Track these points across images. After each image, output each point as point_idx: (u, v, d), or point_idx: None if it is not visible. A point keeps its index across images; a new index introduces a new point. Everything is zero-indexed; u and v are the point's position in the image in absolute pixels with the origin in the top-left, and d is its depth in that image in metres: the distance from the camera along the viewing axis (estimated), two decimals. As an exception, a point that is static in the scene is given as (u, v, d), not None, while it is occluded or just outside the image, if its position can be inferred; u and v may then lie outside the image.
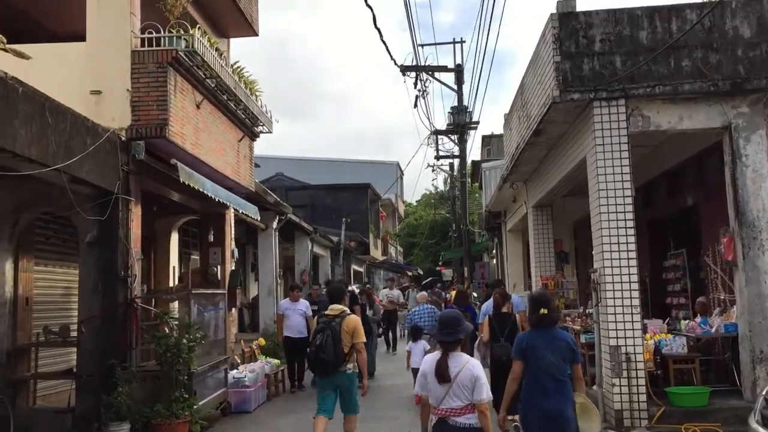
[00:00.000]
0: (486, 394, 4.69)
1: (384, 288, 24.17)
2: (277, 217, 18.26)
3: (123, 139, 9.20)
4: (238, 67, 12.16)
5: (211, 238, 13.34)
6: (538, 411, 5.33)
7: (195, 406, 8.54)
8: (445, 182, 51.90)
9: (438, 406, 4.71)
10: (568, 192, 13.46)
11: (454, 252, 33.54)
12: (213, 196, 10.76)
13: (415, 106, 27.57)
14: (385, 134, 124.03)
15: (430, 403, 4.82)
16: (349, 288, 14.62)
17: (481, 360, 7.83)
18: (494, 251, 26.95)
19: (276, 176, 38.06)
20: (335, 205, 35.23)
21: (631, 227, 8.64)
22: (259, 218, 13.59)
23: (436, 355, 4.85)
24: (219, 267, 13.49)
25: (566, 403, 5.35)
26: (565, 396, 5.37)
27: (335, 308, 7.41)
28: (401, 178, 53.77)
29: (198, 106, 10.61)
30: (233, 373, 10.42)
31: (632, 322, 8.51)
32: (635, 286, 8.57)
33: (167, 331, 8.82)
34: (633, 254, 8.60)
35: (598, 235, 8.81)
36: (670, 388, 8.68)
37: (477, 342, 9.05)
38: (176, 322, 9.00)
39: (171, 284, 14.36)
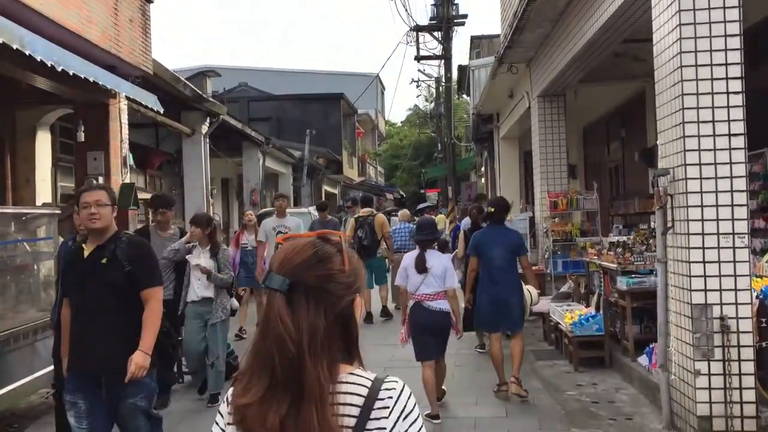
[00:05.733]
0: (454, 282, 5.71)
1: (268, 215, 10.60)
2: (208, 120, 14.28)
3: None
4: None
5: (82, 137, 9.35)
6: (489, 296, 6.27)
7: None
8: (427, 99, 47.70)
9: (414, 292, 5.61)
10: (585, 76, 9.59)
11: (438, 170, 29.72)
12: (49, 63, 6.72)
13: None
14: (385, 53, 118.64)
15: (408, 290, 5.67)
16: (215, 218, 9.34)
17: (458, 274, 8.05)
18: (483, 168, 23.15)
19: (239, 87, 33.89)
20: (303, 118, 31.04)
21: (737, 91, 4.79)
22: (161, 110, 9.58)
23: (416, 252, 5.73)
24: (102, 178, 9.61)
25: (512, 290, 6.29)
26: (512, 284, 6.31)
27: (366, 210, 10.50)
28: (382, 93, 49.39)
29: None
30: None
31: (734, 263, 4.76)
32: (742, 198, 4.79)
33: None
34: (740, 140, 4.79)
35: (673, 108, 4.97)
36: (789, 376, 5.03)
37: (452, 256, 8.37)
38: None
39: (40, 202, 10.53)
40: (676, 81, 4.88)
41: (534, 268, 10.49)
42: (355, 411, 1.34)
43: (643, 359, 6.32)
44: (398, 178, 51.31)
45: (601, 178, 13.58)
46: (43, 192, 10.53)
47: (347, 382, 1.37)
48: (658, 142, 5.34)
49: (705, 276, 4.77)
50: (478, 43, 28.71)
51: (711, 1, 4.80)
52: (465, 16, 23.93)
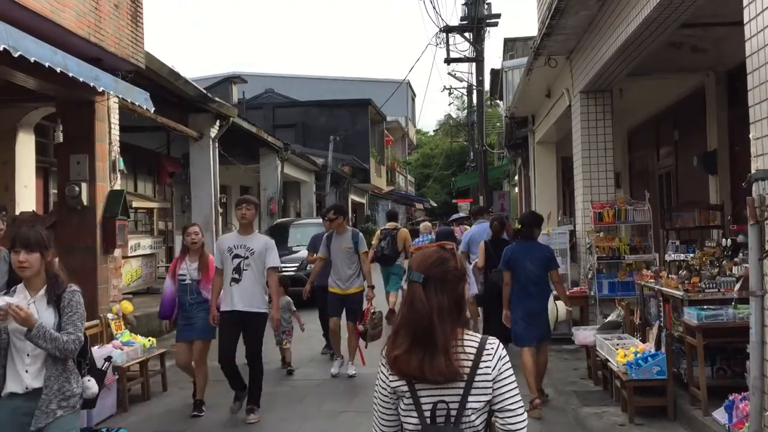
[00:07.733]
0: (471, 290, 7.27)
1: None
2: (218, 122, 13.20)
3: None
4: None
5: (60, 138, 8.29)
6: (522, 309, 6.43)
7: None
8: (459, 108, 46.33)
9: None
10: (634, 69, 8.28)
11: (468, 178, 28.36)
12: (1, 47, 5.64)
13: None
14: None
15: None
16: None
17: (473, 285, 8.28)
18: (516, 177, 21.77)
19: (265, 93, 33.15)
20: (330, 124, 30.03)
21: None
22: (152, 108, 8.44)
23: None
24: (85, 185, 8.55)
25: (544, 303, 6.52)
26: (543, 297, 6.53)
27: (391, 224, 11.47)
28: (413, 100, 48.21)
29: None
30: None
31: None
32: None
33: None
34: None
35: (777, 89, 3.66)
36: None
37: (472, 266, 8.47)
38: None
39: (20, 210, 9.49)
40: (784, 49, 3.57)
41: (576, 289, 9.18)
42: (471, 357, 2.11)
43: (720, 414, 4.96)
44: (429, 187, 50.04)
45: (650, 187, 12.15)
46: (25, 199, 9.51)
47: (464, 339, 2.14)
48: (751, 135, 4.02)
49: (826, 319, 3.44)
50: (512, 45, 27.36)
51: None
52: (498, 16, 22.70)
